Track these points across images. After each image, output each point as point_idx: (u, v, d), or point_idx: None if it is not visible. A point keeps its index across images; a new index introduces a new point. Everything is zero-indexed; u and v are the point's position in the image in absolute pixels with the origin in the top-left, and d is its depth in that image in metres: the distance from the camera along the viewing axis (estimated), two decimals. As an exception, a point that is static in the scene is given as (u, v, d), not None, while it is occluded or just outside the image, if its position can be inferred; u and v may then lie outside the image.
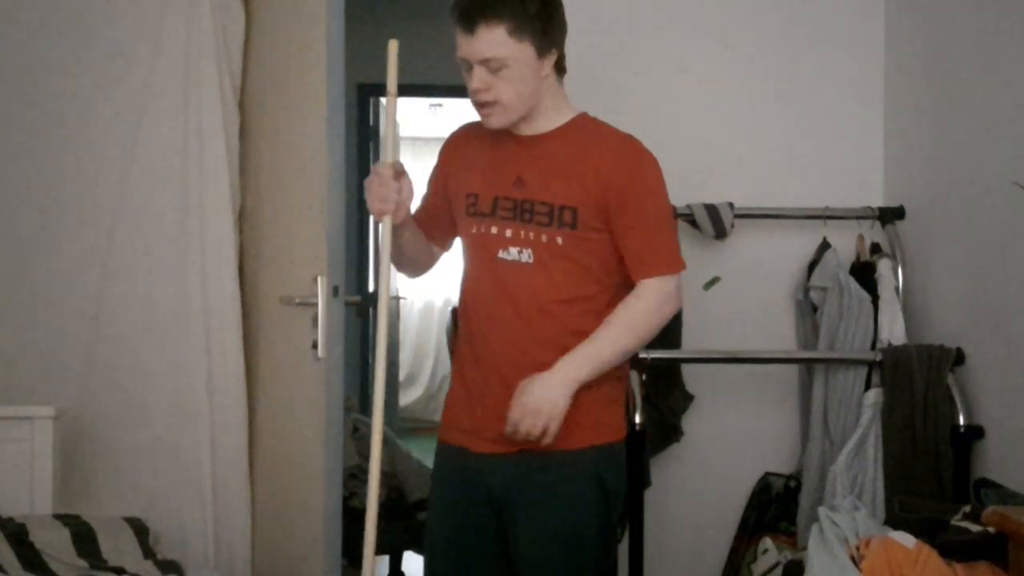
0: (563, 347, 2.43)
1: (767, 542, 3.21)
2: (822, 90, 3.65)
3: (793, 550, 3.17)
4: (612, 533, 2.59)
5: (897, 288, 3.41)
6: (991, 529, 2.45)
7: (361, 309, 6.46)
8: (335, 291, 3.12)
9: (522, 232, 2.46)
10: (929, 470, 3.12)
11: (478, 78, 2.41)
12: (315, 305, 3.04)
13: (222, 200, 3.21)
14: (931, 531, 2.59)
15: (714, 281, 3.61)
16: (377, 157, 6.42)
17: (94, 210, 3.23)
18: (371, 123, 6.56)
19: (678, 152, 3.61)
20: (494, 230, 2.49)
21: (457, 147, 2.62)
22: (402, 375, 8.23)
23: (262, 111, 3.30)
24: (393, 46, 2.44)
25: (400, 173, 2.45)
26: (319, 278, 3.04)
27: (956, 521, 2.59)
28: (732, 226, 3.51)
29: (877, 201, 3.59)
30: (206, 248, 3.21)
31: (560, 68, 2.52)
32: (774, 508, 3.49)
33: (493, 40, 2.37)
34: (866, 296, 3.38)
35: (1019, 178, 2.79)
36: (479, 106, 2.46)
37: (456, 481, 2.55)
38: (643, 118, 3.62)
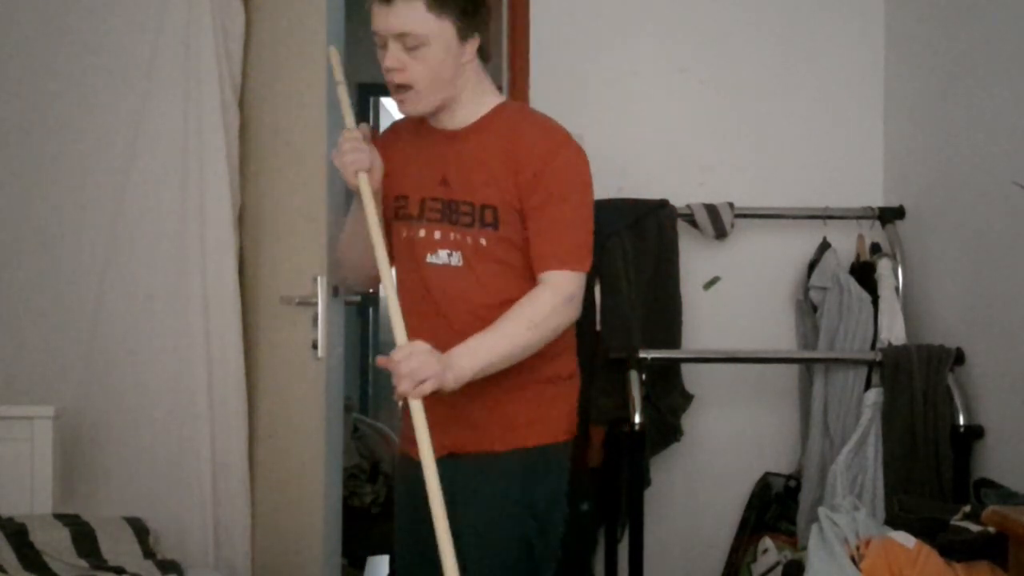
0: None
1: (767, 542, 3.22)
2: (822, 90, 3.66)
3: (793, 550, 3.18)
4: (546, 544, 2.36)
5: (897, 288, 3.41)
6: (991, 529, 2.46)
7: (361, 309, 6.46)
8: (335, 291, 3.12)
9: (452, 234, 2.32)
10: (929, 470, 3.12)
11: (392, 56, 2.25)
12: (315, 305, 3.03)
13: (222, 200, 3.21)
14: (931, 531, 2.59)
15: (714, 281, 3.61)
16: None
17: (94, 210, 3.23)
18: (371, 123, 6.57)
19: (678, 152, 3.64)
20: (422, 233, 2.36)
21: (385, 148, 2.44)
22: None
23: (262, 111, 3.30)
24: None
25: (367, 136, 2.33)
26: (319, 278, 3.04)
27: (956, 521, 2.60)
28: (732, 226, 3.52)
29: (877, 201, 3.60)
30: (206, 248, 3.20)
31: (484, 55, 2.36)
32: (774, 508, 3.50)
33: (411, 13, 2.21)
34: (866, 296, 3.38)
35: (1019, 178, 2.79)
36: (393, 88, 2.29)
37: (406, 489, 2.45)
38: (643, 118, 3.65)
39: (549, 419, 2.38)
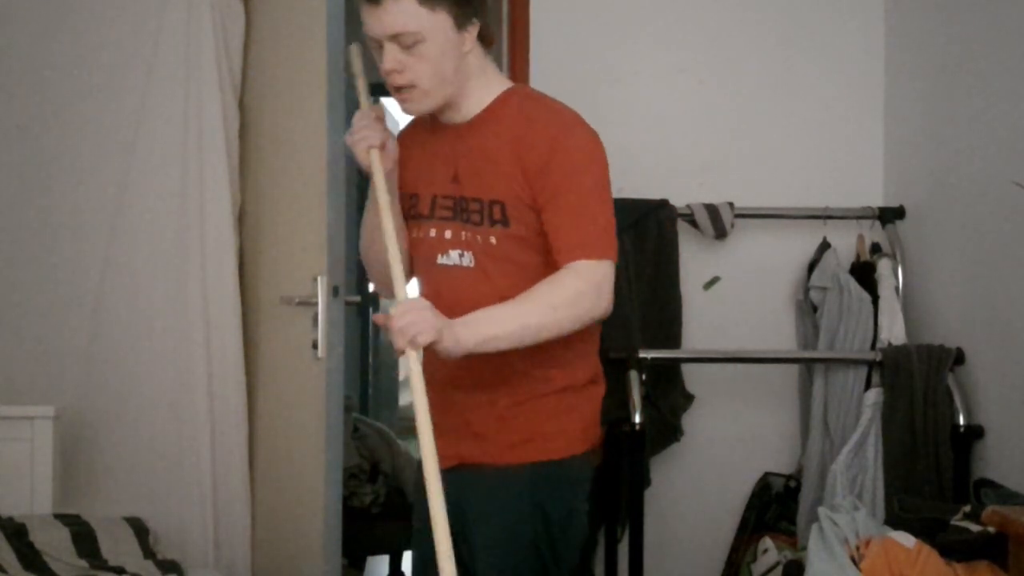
0: (511, 363, 2.16)
1: (767, 542, 3.21)
2: (822, 90, 3.66)
3: (793, 550, 3.17)
4: (560, 561, 2.24)
5: (897, 288, 3.41)
6: (991, 529, 2.46)
7: (361, 309, 6.47)
8: (335, 291, 3.12)
9: (463, 233, 2.20)
10: (929, 470, 3.12)
11: (390, 58, 2.11)
12: (315, 305, 3.03)
13: (222, 200, 3.21)
14: (931, 531, 2.59)
15: (714, 281, 3.61)
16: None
17: (94, 210, 3.23)
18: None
19: (678, 152, 3.64)
20: (433, 233, 2.25)
21: (403, 146, 2.33)
22: (401, 375, 8.24)
23: (262, 111, 3.30)
24: None
25: (381, 117, 2.25)
26: (319, 278, 3.04)
27: (956, 521, 2.59)
28: (732, 226, 3.52)
29: (877, 201, 3.60)
30: (206, 248, 3.20)
31: (485, 40, 2.22)
32: (774, 508, 3.50)
33: (401, 10, 2.08)
34: (866, 296, 3.38)
35: (1019, 178, 2.79)
36: (395, 91, 2.17)
37: (422, 499, 2.30)
38: (643, 118, 3.65)
39: (563, 432, 2.23)
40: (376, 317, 2.12)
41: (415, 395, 2.04)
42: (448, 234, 2.23)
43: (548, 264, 2.16)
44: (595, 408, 2.30)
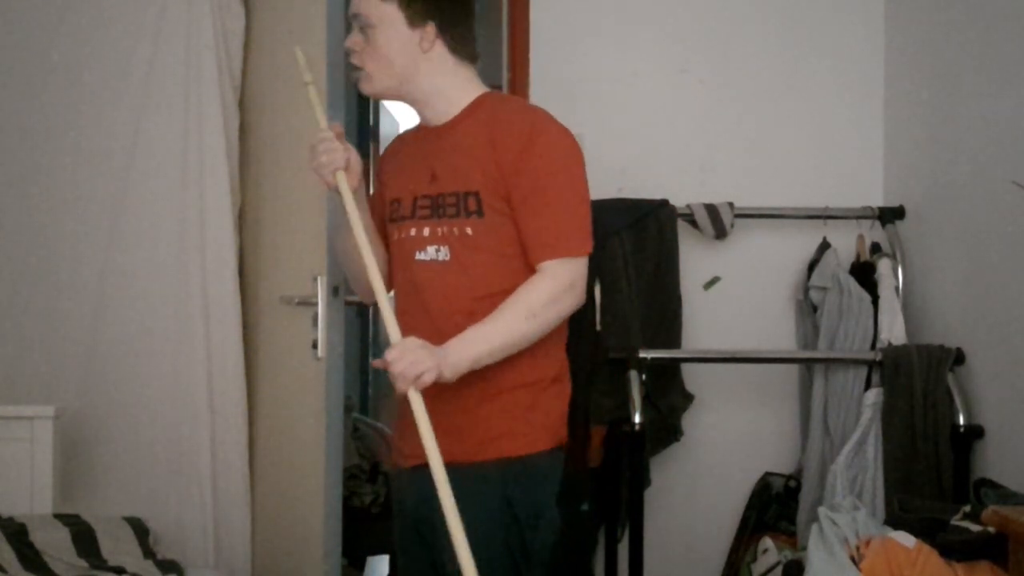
0: None
1: (767, 542, 3.21)
2: (822, 90, 3.66)
3: (793, 550, 3.17)
4: (529, 556, 2.28)
5: (897, 288, 3.41)
6: (991, 529, 2.46)
7: (361, 309, 6.46)
8: (335, 291, 3.12)
9: (439, 229, 2.29)
10: (929, 470, 3.12)
11: (351, 37, 2.32)
12: (315, 305, 3.03)
13: (222, 200, 3.21)
14: (931, 531, 2.59)
15: (714, 281, 3.61)
16: (377, 156, 6.39)
17: (94, 210, 3.23)
18: (371, 123, 6.54)
19: (678, 152, 3.64)
20: (413, 232, 2.34)
21: (387, 158, 2.48)
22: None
23: (262, 111, 3.30)
24: None
25: (340, 135, 2.33)
26: (319, 278, 3.04)
27: (956, 521, 2.60)
28: (732, 226, 3.52)
29: (877, 201, 3.60)
30: (206, 248, 3.21)
31: (464, 52, 2.35)
32: (774, 508, 3.50)
33: None
34: (866, 296, 3.38)
35: (1019, 178, 2.79)
36: (353, 69, 2.36)
37: (398, 499, 2.42)
38: (643, 118, 3.65)
39: (530, 428, 2.30)
40: (375, 362, 2.22)
41: (422, 433, 2.11)
42: (426, 231, 2.31)
43: (519, 252, 2.26)
44: (562, 406, 2.37)
